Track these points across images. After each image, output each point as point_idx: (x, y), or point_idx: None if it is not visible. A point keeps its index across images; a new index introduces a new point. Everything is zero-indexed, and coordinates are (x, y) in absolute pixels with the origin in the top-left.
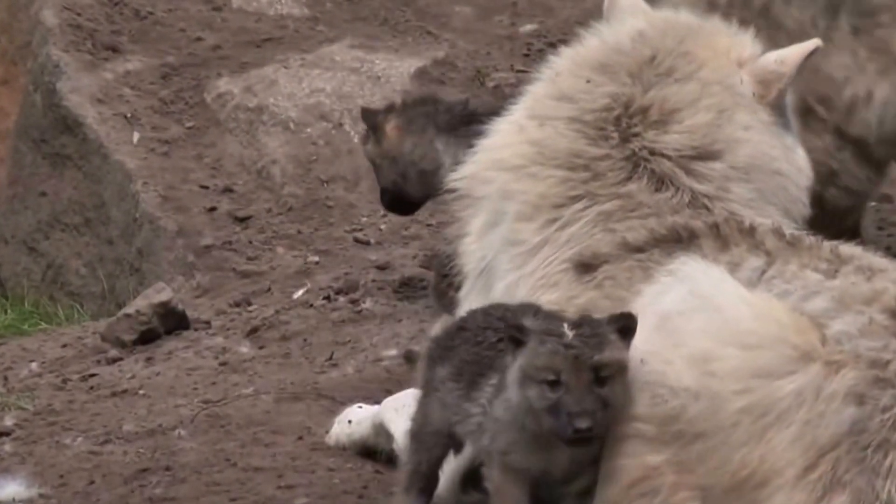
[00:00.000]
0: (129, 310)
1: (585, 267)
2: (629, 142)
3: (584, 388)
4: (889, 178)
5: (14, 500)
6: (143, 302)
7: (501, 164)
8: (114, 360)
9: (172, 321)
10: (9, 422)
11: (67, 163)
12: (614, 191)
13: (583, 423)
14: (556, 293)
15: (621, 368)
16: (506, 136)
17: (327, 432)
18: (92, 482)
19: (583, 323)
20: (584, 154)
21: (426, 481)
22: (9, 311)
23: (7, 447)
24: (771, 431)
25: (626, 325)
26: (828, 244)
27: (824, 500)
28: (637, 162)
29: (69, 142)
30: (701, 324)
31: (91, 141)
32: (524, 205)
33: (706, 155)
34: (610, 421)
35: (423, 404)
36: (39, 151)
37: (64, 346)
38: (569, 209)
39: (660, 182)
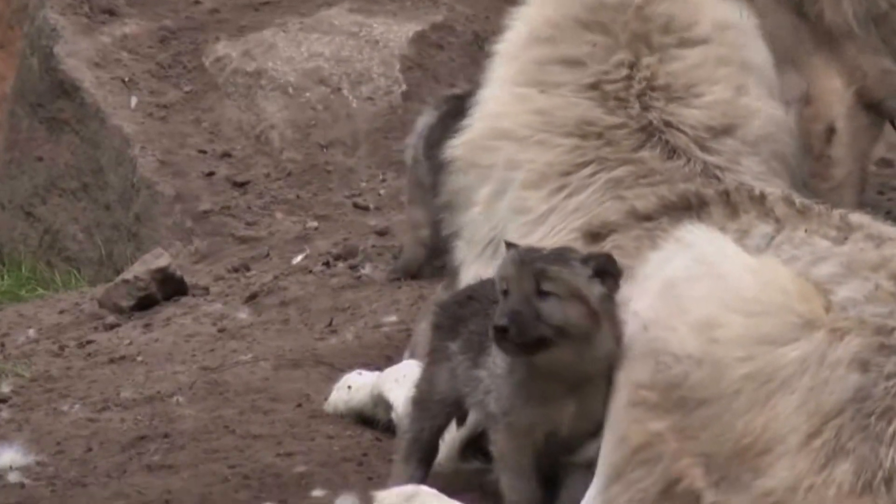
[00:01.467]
0: (127, 275)
1: (594, 236)
2: (648, 111)
3: (520, 294)
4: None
5: (11, 467)
6: (140, 268)
7: (506, 133)
8: (111, 327)
9: (170, 287)
10: (5, 388)
11: (64, 127)
12: (625, 157)
13: (499, 321)
14: None
15: (572, 293)
16: (505, 105)
17: (326, 399)
18: (89, 449)
19: (559, 249)
20: (599, 122)
21: (427, 450)
22: (5, 276)
23: (4, 414)
24: (774, 398)
25: (601, 266)
26: (837, 212)
27: (828, 468)
28: (652, 132)
29: (66, 106)
30: (705, 291)
31: (88, 105)
32: (531, 173)
33: (721, 131)
34: (547, 340)
35: (430, 372)
36: (36, 116)
37: (61, 312)
38: (576, 176)
39: (672, 151)
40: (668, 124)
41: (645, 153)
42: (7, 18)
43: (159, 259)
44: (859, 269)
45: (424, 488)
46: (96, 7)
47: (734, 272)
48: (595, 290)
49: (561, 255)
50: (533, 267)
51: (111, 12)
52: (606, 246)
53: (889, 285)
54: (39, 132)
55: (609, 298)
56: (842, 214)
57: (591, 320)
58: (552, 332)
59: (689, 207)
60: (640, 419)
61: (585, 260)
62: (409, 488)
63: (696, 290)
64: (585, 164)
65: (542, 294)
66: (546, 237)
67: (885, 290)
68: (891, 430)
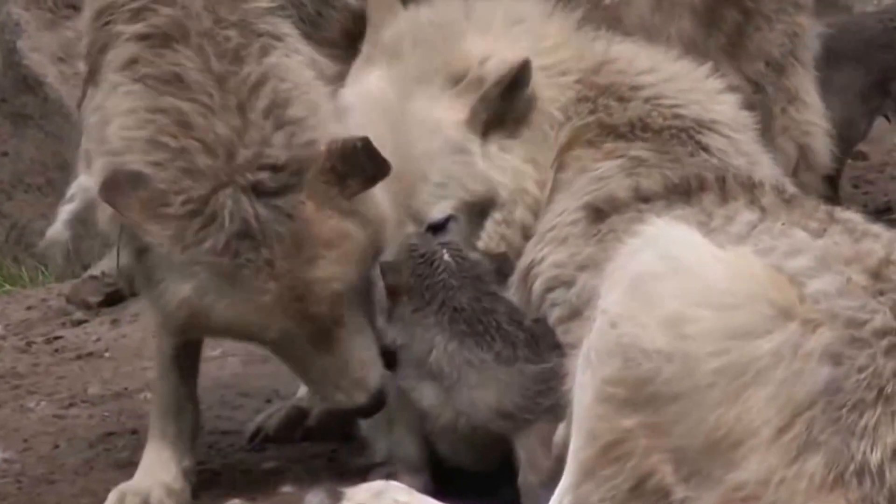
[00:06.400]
0: (95, 271)
1: (598, 212)
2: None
3: None
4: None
5: None
6: (108, 263)
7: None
8: (79, 323)
9: None
10: None
11: (29, 122)
12: (654, 146)
13: None
14: (564, 249)
15: None
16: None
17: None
18: (57, 446)
19: None
20: (651, 125)
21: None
22: None
23: None
24: (748, 391)
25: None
26: (824, 207)
27: (799, 461)
28: (691, 133)
29: (30, 101)
30: (673, 286)
31: (52, 100)
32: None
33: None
34: None
35: None
36: (0, 111)
37: (28, 308)
38: (605, 165)
39: (699, 150)
40: (702, 124)
41: (678, 148)
42: None
43: None
44: (832, 263)
45: (394, 484)
46: (60, 1)
47: (703, 265)
48: None
49: None
50: None
51: (75, 7)
52: (603, 230)
53: (861, 279)
54: (4, 127)
55: None
56: (828, 209)
57: None
58: None
59: (687, 191)
60: (608, 416)
61: None
62: (379, 484)
63: (665, 287)
64: (617, 158)
65: None
66: (549, 221)
67: (856, 284)
68: (862, 422)
